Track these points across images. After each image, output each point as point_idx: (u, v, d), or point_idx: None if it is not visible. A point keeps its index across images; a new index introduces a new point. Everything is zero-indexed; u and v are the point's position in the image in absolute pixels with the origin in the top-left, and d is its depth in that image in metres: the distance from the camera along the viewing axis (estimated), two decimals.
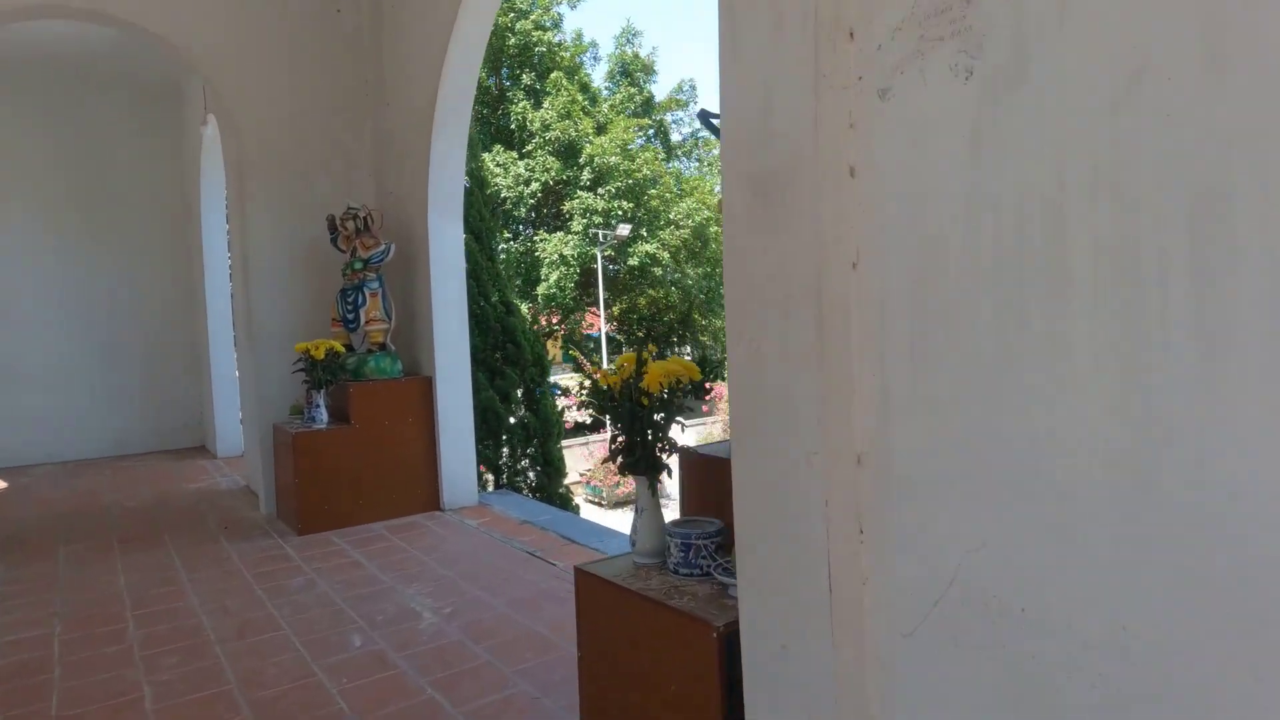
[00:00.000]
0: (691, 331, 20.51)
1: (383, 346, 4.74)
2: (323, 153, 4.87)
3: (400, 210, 4.85)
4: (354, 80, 4.94)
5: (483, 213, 7.04)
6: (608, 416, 1.98)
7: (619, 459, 1.97)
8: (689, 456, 2.02)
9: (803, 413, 1.29)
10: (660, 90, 25.41)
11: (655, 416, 1.89)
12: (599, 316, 19.81)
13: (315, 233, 4.80)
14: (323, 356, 4.40)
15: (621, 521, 11.24)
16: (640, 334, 20.17)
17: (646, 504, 1.97)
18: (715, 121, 2.09)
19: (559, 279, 18.22)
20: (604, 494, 12.78)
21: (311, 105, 4.80)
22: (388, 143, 4.97)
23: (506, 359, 6.59)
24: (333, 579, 3.67)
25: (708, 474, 2.03)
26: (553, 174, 18.52)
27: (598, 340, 21.27)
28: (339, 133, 4.92)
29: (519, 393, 6.57)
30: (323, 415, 4.51)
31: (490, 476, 6.49)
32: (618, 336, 20.56)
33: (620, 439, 1.98)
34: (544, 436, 6.53)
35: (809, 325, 1.28)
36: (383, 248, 4.65)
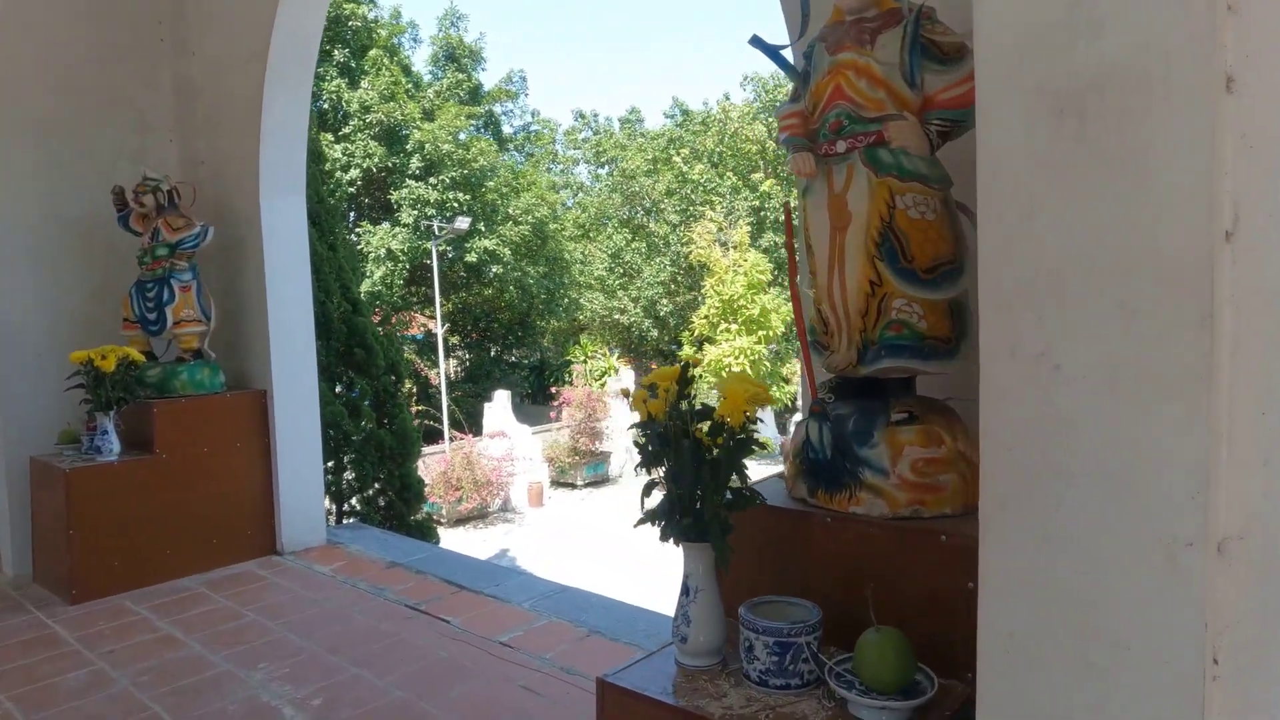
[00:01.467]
0: (531, 334, 19.76)
1: (198, 354, 3.69)
2: (100, 109, 3.72)
3: (219, 184, 3.81)
4: (144, 17, 3.83)
5: (320, 193, 5.99)
6: (663, 461, 1.36)
7: (661, 520, 1.36)
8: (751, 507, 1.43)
9: (1156, 475, 0.76)
10: (488, 79, 24.35)
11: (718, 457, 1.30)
12: (433, 318, 18.54)
13: (95, 209, 3.66)
14: (113, 368, 3.31)
15: (471, 542, 10.39)
16: (475, 335, 19.12)
17: (704, 583, 1.38)
18: (784, 52, 1.54)
19: (385, 275, 16.75)
20: (444, 511, 11.76)
21: (83, 47, 3.66)
22: (194, 99, 3.90)
23: (355, 366, 5.62)
24: (135, 666, 2.66)
25: (776, 531, 1.47)
26: (376, 160, 17.02)
27: (423, 342, 19.89)
28: (124, 84, 3.79)
29: (368, 404, 5.62)
30: (111, 444, 3.39)
31: (332, 506, 5.49)
32: (450, 338, 19.32)
33: (656, 489, 1.37)
34: (402, 456, 5.63)
35: (1172, 327, 0.75)
36: (196, 230, 3.60)
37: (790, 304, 1.98)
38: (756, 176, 19.48)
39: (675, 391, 1.39)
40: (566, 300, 20.41)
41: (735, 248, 13.38)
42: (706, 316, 12.53)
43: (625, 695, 1.34)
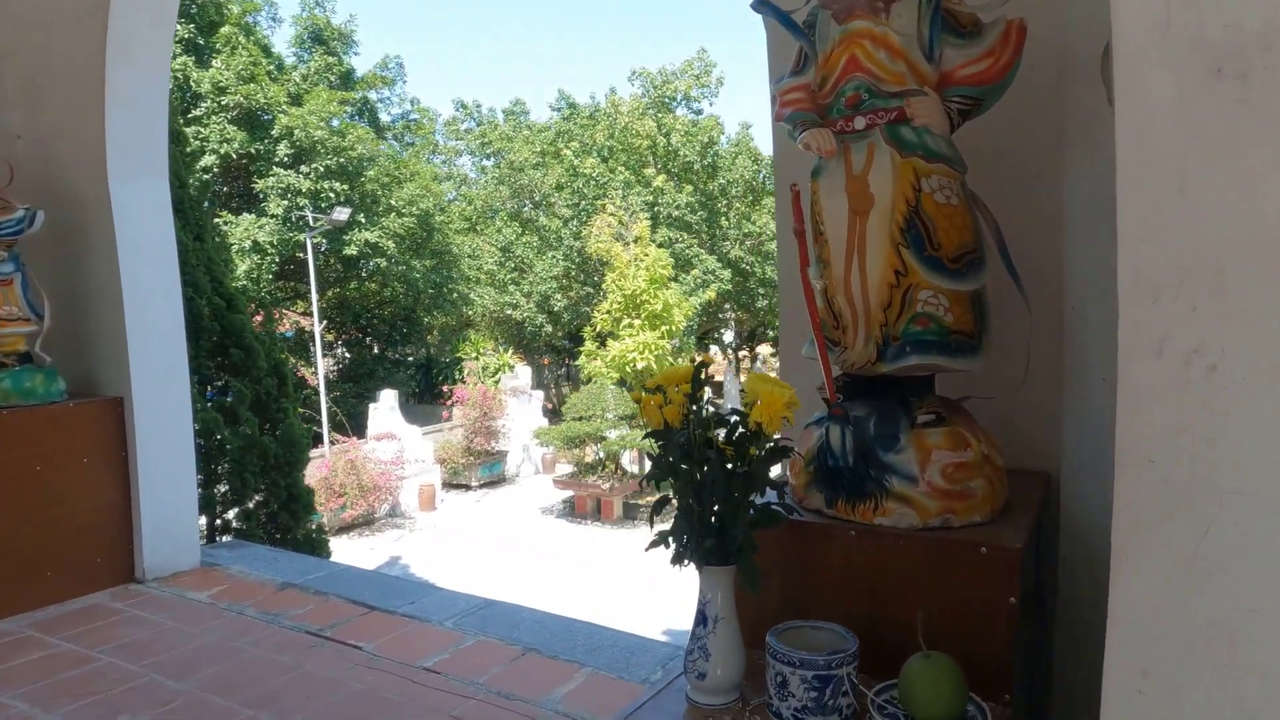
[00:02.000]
0: (417, 330, 18.91)
1: (27, 357, 3.17)
2: None
3: (48, 163, 3.27)
4: None
5: (182, 176, 5.38)
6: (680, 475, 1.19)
7: (678, 543, 1.19)
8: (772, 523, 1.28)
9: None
10: (361, 65, 23.11)
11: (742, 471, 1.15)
12: (306, 314, 17.37)
13: None
14: None
15: (357, 550, 9.76)
16: (354, 332, 18.11)
17: (724, 611, 1.22)
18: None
19: (251, 269, 15.54)
20: (325, 520, 11.02)
21: None
22: (5, 59, 3.34)
23: (231, 368, 5.09)
24: None
25: (791, 547, 1.33)
26: (235, 146, 15.73)
27: (294, 340, 18.64)
28: None
29: (247, 410, 5.09)
30: None
31: (202, 522, 4.94)
32: (327, 336, 18.21)
33: (667, 506, 1.20)
34: (289, 465, 5.14)
35: None
36: (18, 215, 3.07)
37: (794, 293, 1.83)
38: (649, 172, 19.44)
39: (688, 395, 1.22)
40: (455, 295, 19.72)
41: (636, 242, 13.28)
42: (609, 311, 12.37)
43: None
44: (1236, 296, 0.71)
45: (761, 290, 21.60)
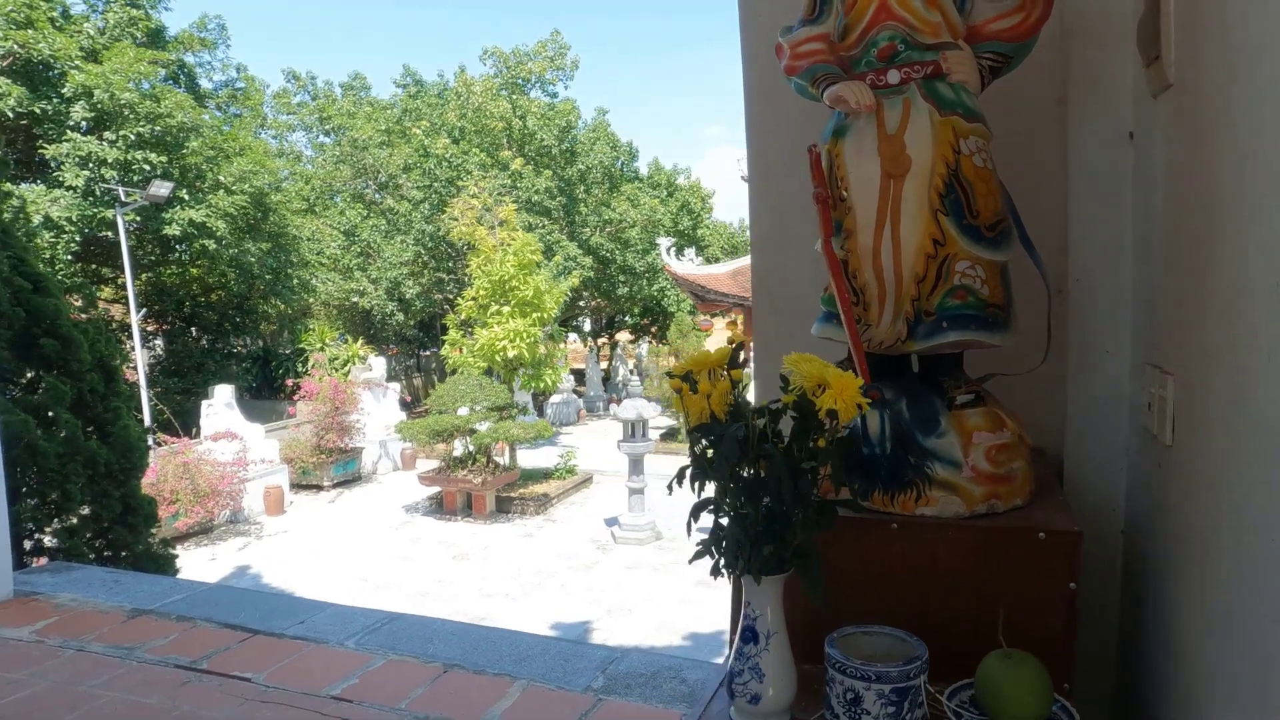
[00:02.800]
0: (253, 319, 17.29)
1: None
2: None
3: None
4: None
5: None
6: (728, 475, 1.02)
7: (731, 552, 1.04)
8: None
9: None
10: (175, 23, 20.70)
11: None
12: (118, 300, 15.41)
13: None
14: None
15: (196, 562, 8.74)
16: (177, 322, 16.31)
17: (776, 625, 1.08)
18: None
19: (44, 249, 13.53)
20: (155, 530, 9.82)
21: None
22: None
23: (43, 361, 4.34)
24: None
25: (829, 545, 1.21)
26: (12, 103, 13.53)
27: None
28: None
29: (64, 410, 4.37)
30: None
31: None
32: (145, 326, 16.25)
33: (720, 512, 1.05)
34: (123, 472, 4.46)
35: None
36: None
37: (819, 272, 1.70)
38: (505, 155, 18.79)
39: (728, 382, 1.06)
40: (295, 281, 18.23)
41: (502, 225, 12.75)
42: (475, 298, 11.81)
43: None
44: None
45: (622, 277, 21.59)
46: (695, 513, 1.09)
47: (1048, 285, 1.30)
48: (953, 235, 1.19)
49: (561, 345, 16.62)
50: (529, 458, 12.78)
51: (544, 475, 11.65)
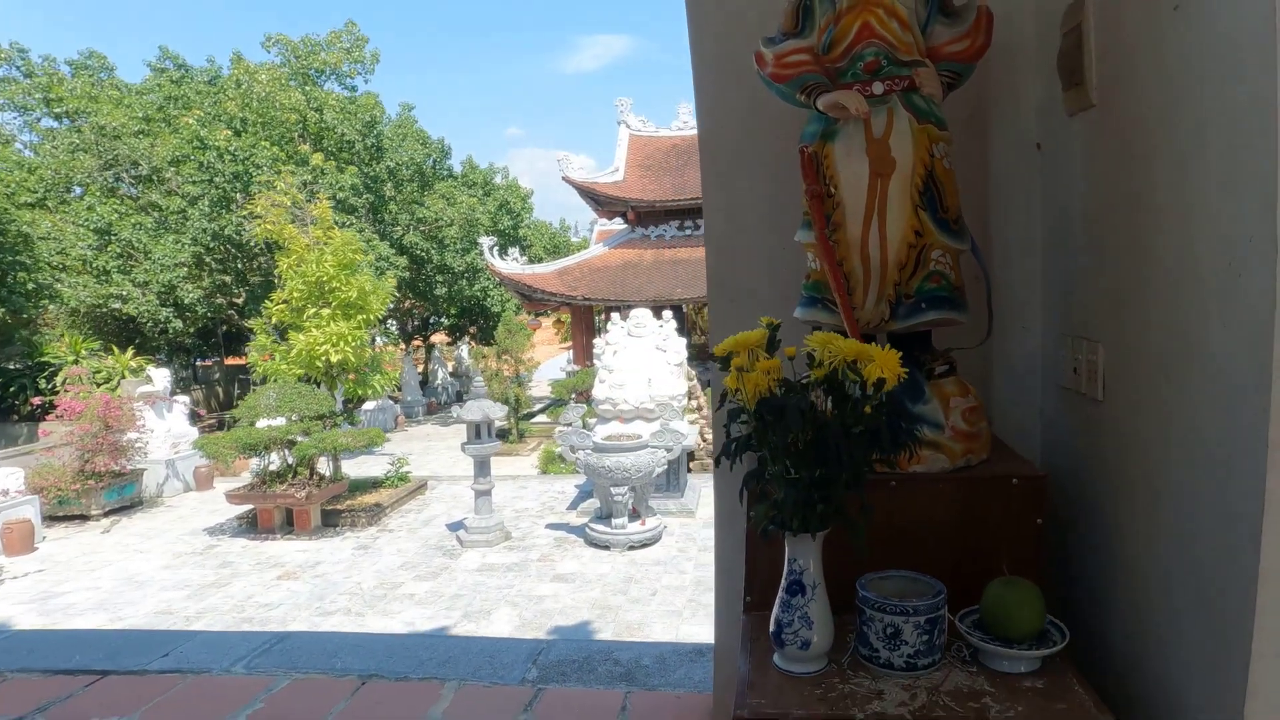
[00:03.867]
0: None
1: None
2: None
3: None
4: None
5: None
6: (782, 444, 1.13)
7: (787, 514, 1.14)
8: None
9: None
10: None
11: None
12: None
13: None
14: None
15: None
16: None
17: (818, 577, 1.20)
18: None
19: None
20: None
21: None
22: None
23: None
24: None
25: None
26: None
27: None
28: None
29: None
30: None
31: None
32: None
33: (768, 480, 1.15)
34: None
35: None
36: None
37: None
38: (303, 149, 17.36)
39: (777, 360, 1.17)
40: (29, 286, 15.77)
41: (315, 223, 11.78)
42: (288, 301, 10.83)
43: None
44: None
45: (440, 278, 20.81)
46: (749, 482, 1.18)
47: (986, 272, 1.53)
48: (930, 227, 1.38)
49: (392, 348, 15.79)
50: (356, 467, 12.07)
51: (374, 485, 11.06)
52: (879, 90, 1.35)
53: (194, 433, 12.68)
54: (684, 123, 21.57)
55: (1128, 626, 1.27)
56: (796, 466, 1.14)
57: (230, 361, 21.51)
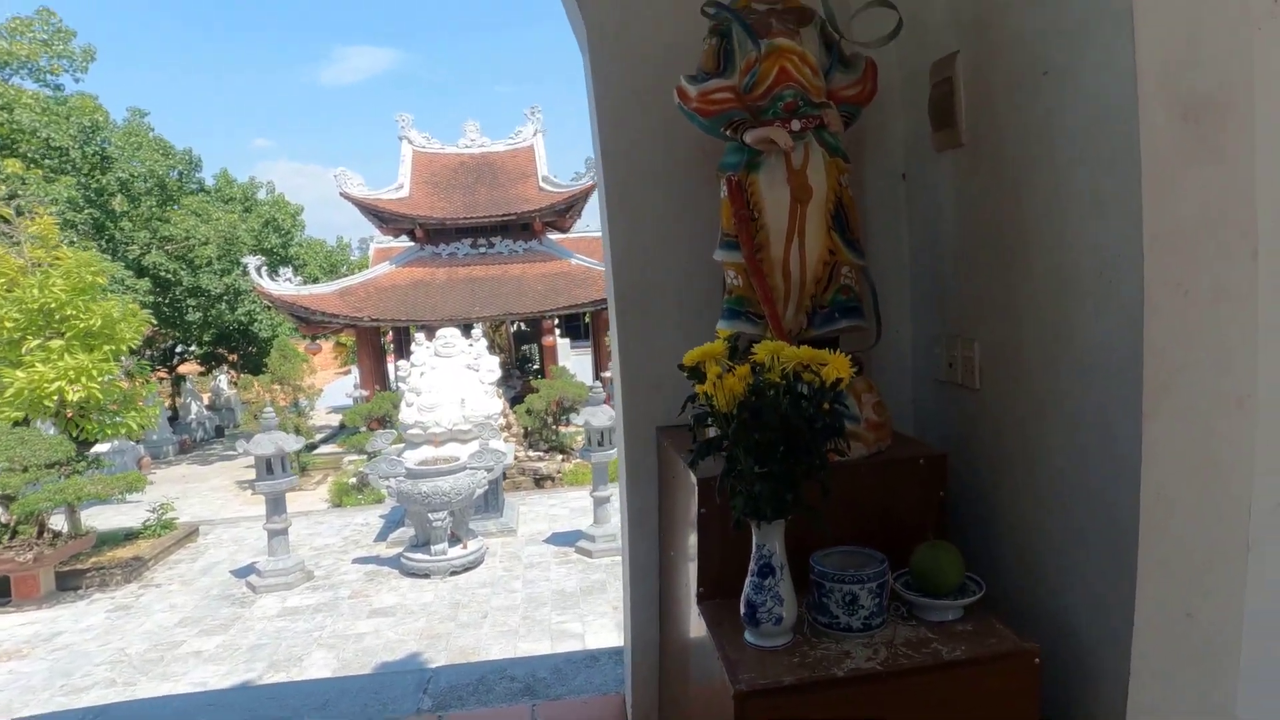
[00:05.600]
0: None
1: None
2: None
3: None
4: None
5: None
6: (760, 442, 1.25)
7: (766, 505, 1.27)
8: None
9: (1235, 356, 1.22)
10: None
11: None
12: None
13: None
14: None
15: None
16: None
17: (783, 558, 1.34)
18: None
19: None
20: None
21: None
22: None
23: None
24: None
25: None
26: None
27: None
28: None
29: None
30: None
31: None
32: None
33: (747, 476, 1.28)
34: None
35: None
36: None
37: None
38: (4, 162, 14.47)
39: (746, 368, 1.30)
40: None
41: (38, 243, 9.87)
42: None
43: (772, 695, 1.22)
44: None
45: (192, 301, 18.52)
46: (721, 485, 1.29)
47: (873, 284, 1.77)
48: (840, 246, 1.58)
49: (151, 380, 13.73)
50: (105, 518, 10.50)
51: (129, 537, 9.66)
52: (797, 127, 1.53)
53: None
54: (471, 140, 21.27)
55: (1026, 578, 1.54)
56: (767, 461, 1.27)
57: None
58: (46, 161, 15.99)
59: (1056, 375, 1.39)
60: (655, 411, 1.94)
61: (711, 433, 1.34)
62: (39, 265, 9.73)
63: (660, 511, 1.94)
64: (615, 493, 9.75)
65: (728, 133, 1.58)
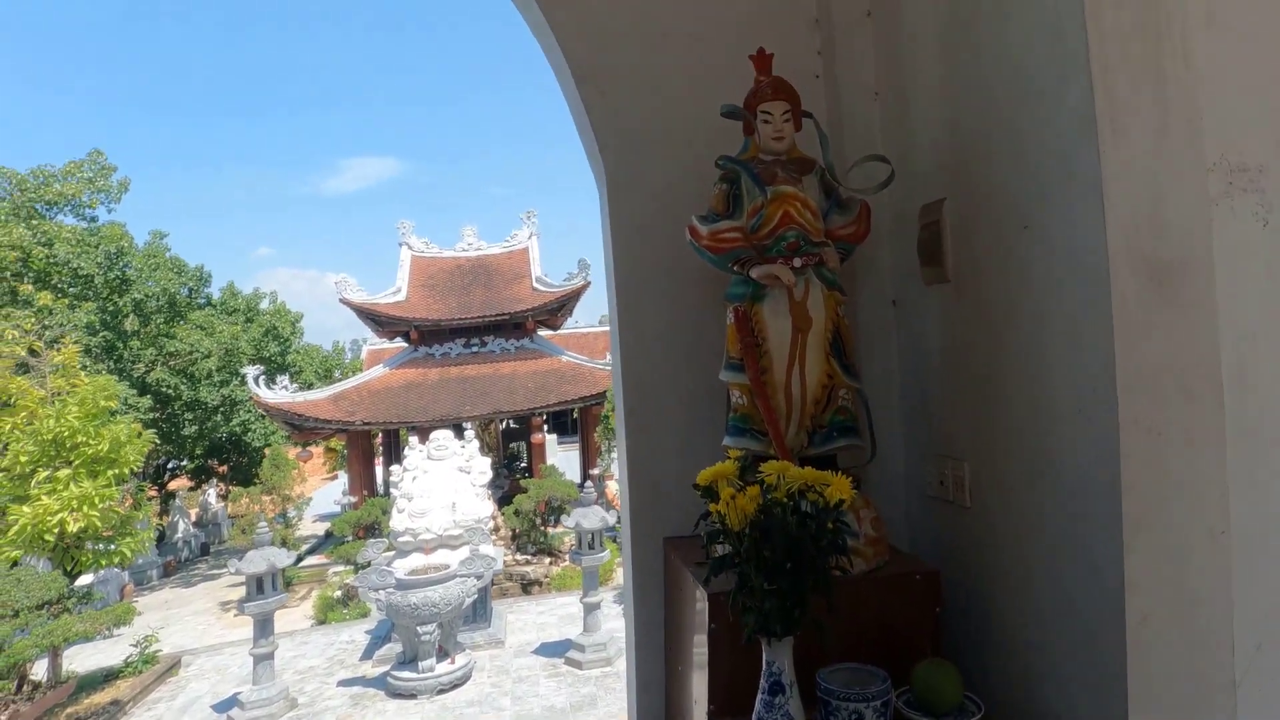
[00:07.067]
0: None
1: None
2: None
3: None
4: None
5: None
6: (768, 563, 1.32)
7: (775, 624, 1.33)
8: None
9: (1207, 493, 1.32)
10: None
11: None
12: None
13: None
14: None
15: None
16: None
17: (792, 675, 1.39)
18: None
19: None
20: None
21: None
22: None
23: None
24: None
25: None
26: None
27: None
28: None
29: None
30: None
31: None
32: None
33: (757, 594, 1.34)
34: None
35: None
36: None
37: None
38: (25, 289, 14.73)
39: (757, 488, 1.39)
40: None
41: (59, 372, 9.90)
42: (7, 469, 8.67)
43: None
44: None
45: (189, 415, 18.31)
46: (733, 603, 1.35)
47: (867, 404, 1.88)
48: (838, 371, 1.71)
49: (147, 502, 13.36)
50: (85, 657, 10.01)
51: (109, 678, 9.16)
52: (799, 264, 1.68)
53: None
54: (468, 244, 21.93)
55: (1025, 698, 1.57)
56: (775, 578, 1.34)
57: None
58: (71, 289, 16.30)
59: (1040, 499, 1.48)
60: (661, 523, 2.01)
61: (720, 549, 1.41)
62: (58, 395, 9.71)
63: (666, 624, 1.97)
64: (605, 599, 9.55)
65: (734, 267, 1.73)
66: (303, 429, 18.04)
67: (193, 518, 20.50)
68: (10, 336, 10.60)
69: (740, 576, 1.37)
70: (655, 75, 2.03)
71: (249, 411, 19.21)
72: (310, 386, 21.40)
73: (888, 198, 1.99)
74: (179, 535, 18.98)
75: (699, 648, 1.62)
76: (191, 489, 22.05)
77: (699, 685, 1.63)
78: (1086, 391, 1.34)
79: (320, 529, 20.11)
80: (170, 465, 20.66)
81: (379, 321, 19.98)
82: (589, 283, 20.26)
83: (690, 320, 2.01)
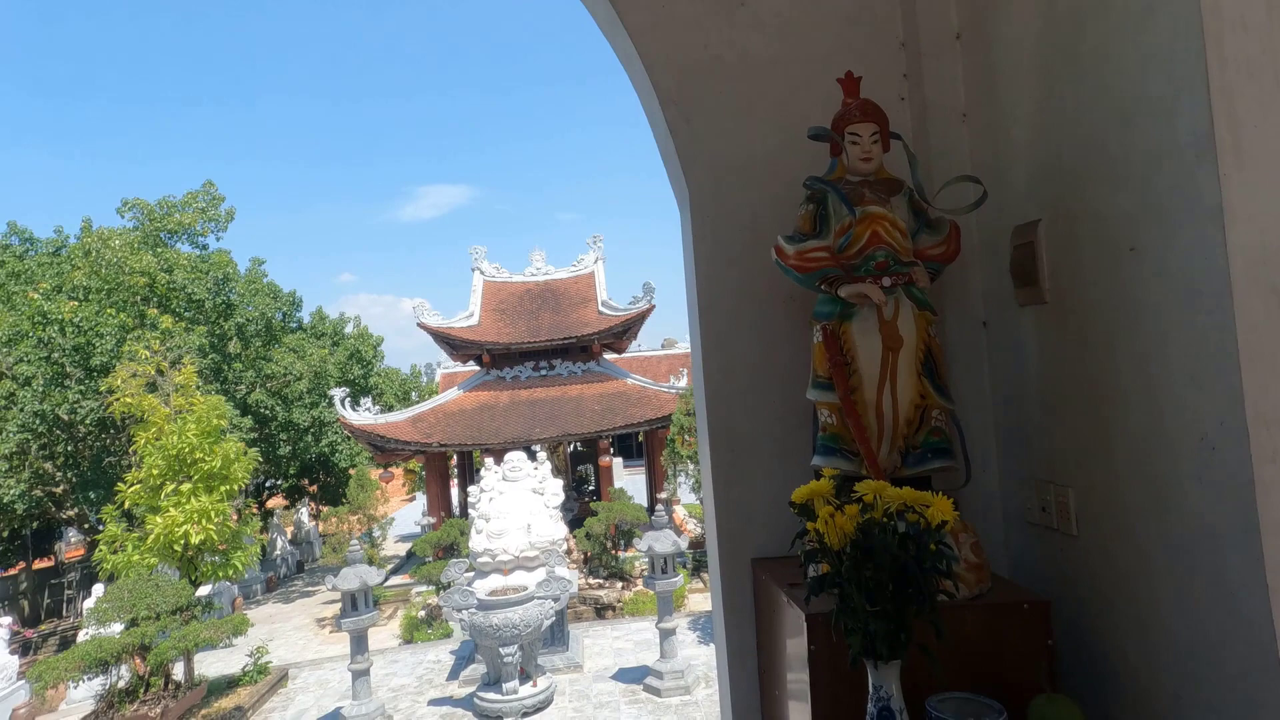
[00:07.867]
0: None
1: None
2: None
3: None
4: None
5: None
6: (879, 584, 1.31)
7: (883, 646, 1.31)
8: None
9: None
10: None
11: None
12: None
13: None
14: None
15: None
16: None
17: (900, 700, 1.36)
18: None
19: None
20: None
21: None
22: None
23: None
24: None
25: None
26: None
27: None
28: None
29: None
30: None
31: None
32: None
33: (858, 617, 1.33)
34: None
35: None
36: None
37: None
38: (152, 313, 15.90)
39: (856, 507, 1.37)
40: None
41: (180, 391, 10.73)
42: (144, 480, 9.54)
43: None
44: None
45: (284, 436, 19.22)
46: (835, 623, 1.34)
47: (960, 427, 1.84)
48: (930, 391, 1.68)
49: (254, 519, 14.18)
50: (207, 664, 10.58)
51: (230, 684, 9.67)
52: (888, 283, 1.67)
53: (13, 662, 10.50)
54: (536, 269, 22.39)
55: None
56: (878, 600, 1.32)
57: (40, 564, 18.09)
58: (186, 314, 17.51)
59: (1164, 532, 1.41)
60: (749, 544, 2.00)
61: (814, 570, 1.40)
62: (179, 412, 10.46)
63: (759, 648, 1.96)
64: (679, 624, 9.47)
65: (822, 286, 1.73)
66: (385, 450, 18.63)
67: (288, 535, 21.42)
68: (143, 356, 11.47)
69: (841, 597, 1.35)
70: (740, 101, 2.06)
71: (336, 433, 19.98)
72: (390, 409, 22.12)
73: (976, 219, 1.97)
74: (278, 552, 19.91)
75: (798, 672, 1.61)
76: (286, 508, 23.06)
77: (799, 712, 1.61)
78: (1212, 423, 1.28)
79: (402, 549, 20.65)
80: (268, 484, 21.70)
81: (453, 345, 20.53)
82: (653, 306, 20.41)
83: (773, 341, 2.01)
